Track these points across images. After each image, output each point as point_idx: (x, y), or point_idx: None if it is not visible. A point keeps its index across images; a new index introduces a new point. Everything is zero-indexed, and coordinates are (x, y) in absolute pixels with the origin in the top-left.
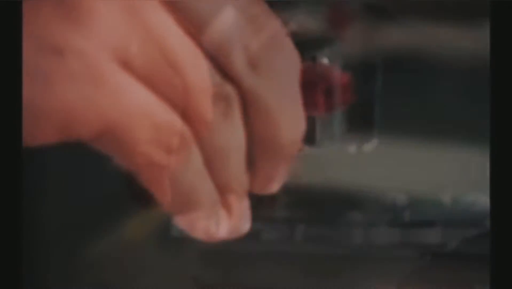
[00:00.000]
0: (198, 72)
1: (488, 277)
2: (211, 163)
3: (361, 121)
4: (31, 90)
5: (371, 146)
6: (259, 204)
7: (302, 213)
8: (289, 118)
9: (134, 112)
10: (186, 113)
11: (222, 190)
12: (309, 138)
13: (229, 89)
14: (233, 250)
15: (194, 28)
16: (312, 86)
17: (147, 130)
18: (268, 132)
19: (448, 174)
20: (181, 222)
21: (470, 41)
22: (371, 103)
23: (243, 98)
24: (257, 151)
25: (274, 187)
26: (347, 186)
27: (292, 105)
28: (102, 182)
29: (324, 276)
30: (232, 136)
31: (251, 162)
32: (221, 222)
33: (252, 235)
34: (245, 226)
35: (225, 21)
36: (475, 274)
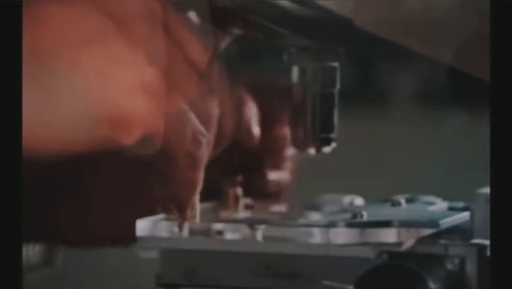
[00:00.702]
0: None
1: (442, 275)
2: None
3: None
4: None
5: (329, 148)
6: (221, 204)
7: (262, 214)
8: None
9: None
10: None
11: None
12: None
13: None
14: (195, 249)
15: None
16: None
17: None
18: None
19: (403, 175)
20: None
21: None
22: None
23: None
24: None
25: None
26: (307, 188)
27: None
28: None
29: (284, 275)
30: None
31: None
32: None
33: (214, 235)
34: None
35: None
36: (430, 273)
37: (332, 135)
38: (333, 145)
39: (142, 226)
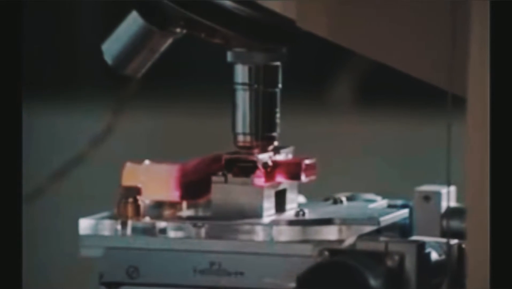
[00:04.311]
0: None
1: (383, 271)
2: None
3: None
4: None
5: (271, 147)
6: (165, 203)
7: (206, 211)
8: None
9: None
10: None
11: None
12: None
13: None
14: (138, 247)
15: None
16: None
17: None
18: None
19: (344, 174)
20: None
21: None
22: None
23: None
24: None
25: None
26: None
27: None
28: None
29: (227, 273)
30: None
31: None
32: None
33: (157, 233)
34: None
35: None
36: (370, 269)
37: (275, 134)
38: (276, 143)
39: (85, 225)
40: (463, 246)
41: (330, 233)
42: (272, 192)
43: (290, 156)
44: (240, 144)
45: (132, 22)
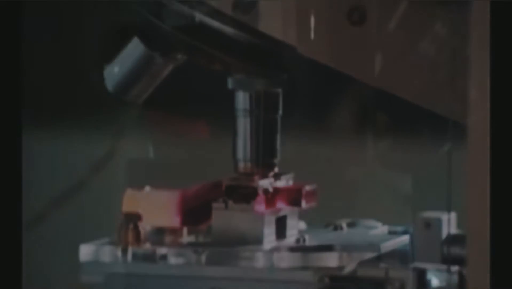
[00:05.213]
0: None
1: None
2: None
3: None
4: None
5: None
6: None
7: (207, 237)
8: None
9: None
10: None
11: None
12: None
13: None
14: (139, 273)
15: None
16: None
17: None
18: None
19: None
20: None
21: None
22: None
23: None
24: None
25: None
26: None
27: None
28: None
29: None
30: None
31: None
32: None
33: (158, 259)
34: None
35: None
36: None
37: (275, 160)
38: (276, 169)
39: (86, 251)
40: (464, 272)
41: (330, 260)
42: (272, 219)
43: (290, 182)
44: (241, 170)
45: (134, 48)
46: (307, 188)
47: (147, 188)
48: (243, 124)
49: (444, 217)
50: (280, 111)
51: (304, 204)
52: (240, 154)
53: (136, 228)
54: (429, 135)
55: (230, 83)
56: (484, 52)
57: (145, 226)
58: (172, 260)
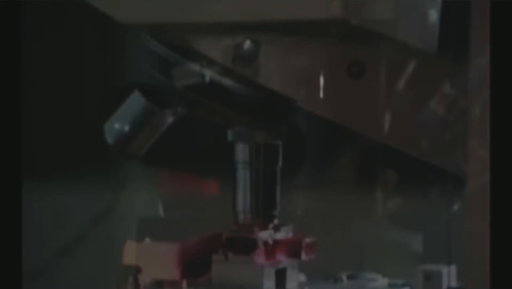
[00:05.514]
0: None
1: None
2: None
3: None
4: None
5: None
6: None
7: None
8: None
9: None
10: None
11: None
12: None
13: None
14: None
15: None
16: None
17: None
18: None
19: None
20: None
21: None
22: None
23: None
24: None
25: None
26: None
27: None
28: None
29: None
30: None
31: None
32: None
33: None
34: None
35: None
36: None
37: (275, 212)
38: (276, 221)
39: None
40: None
41: None
42: (272, 271)
43: (290, 234)
44: (241, 222)
45: (134, 101)
46: (307, 240)
47: (147, 240)
48: (243, 176)
49: (445, 270)
50: (280, 163)
51: (304, 256)
52: (239, 205)
53: (136, 280)
54: (429, 188)
55: (229, 136)
56: (484, 55)
57: (144, 279)
58: None
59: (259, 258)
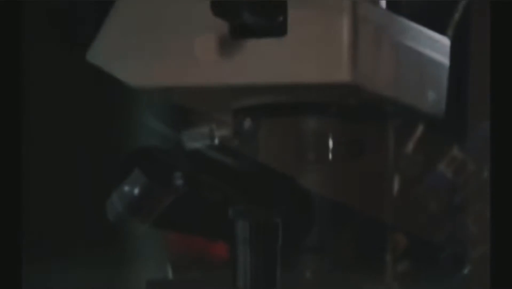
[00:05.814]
0: None
1: None
2: None
3: None
4: None
5: None
6: None
7: None
8: None
9: None
10: None
11: None
12: None
13: None
14: None
15: None
16: None
17: None
18: None
19: None
20: None
21: None
22: None
23: None
24: None
25: None
26: None
27: None
28: None
29: None
30: None
31: None
32: None
33: None
34: None
35: None
36: None
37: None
38: None
39: None
40: None
41: None
42: None
43: None
44: None
45: (135, 179)
46: None
47: None
48: (243, 253)
49: None
50: (280, 241)
51: None
52: (240, 281)
53: None
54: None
55: (230, 213)
56: (484, 56)
57: None
58: None
59: None
